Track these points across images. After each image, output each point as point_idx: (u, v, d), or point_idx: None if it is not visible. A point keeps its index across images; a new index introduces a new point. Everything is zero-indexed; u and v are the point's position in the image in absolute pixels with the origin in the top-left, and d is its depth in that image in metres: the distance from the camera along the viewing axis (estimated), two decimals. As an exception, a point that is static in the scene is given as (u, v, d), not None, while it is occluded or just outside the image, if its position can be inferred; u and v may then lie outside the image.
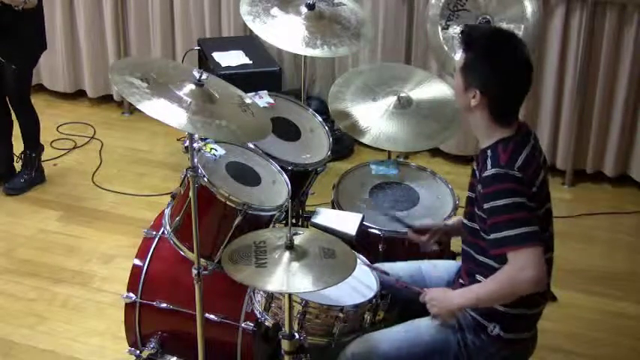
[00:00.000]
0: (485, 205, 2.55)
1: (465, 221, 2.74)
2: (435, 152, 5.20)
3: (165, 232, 3.05)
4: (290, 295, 2.59)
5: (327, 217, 3.16)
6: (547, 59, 4.82)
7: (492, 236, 2.55)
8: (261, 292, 2.80)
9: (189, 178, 2.74)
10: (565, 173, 4.99)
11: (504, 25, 3.61)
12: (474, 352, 2.70)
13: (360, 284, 2.86)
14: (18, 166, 4.82)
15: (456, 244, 3.48)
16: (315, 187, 3.53)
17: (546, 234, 2.64)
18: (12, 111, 4.67)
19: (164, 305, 3.15)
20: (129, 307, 3.21)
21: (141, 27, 5.58)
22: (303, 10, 3.58)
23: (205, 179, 2.88)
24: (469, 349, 2.69)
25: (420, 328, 2.73)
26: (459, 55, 2.67)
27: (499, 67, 2.58)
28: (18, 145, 4.79)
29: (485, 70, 2.57)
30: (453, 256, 3.43)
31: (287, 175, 3.20)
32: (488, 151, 2.60)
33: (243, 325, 3.05)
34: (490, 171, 2.54)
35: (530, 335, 2.76)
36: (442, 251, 3.25)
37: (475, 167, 2.67)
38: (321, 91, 5.28)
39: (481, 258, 2.66)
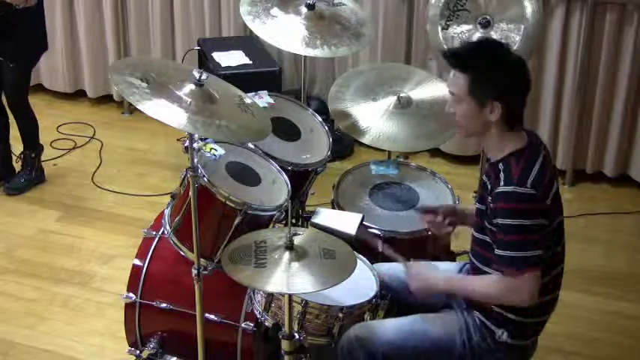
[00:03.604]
0: (495, 221, 2.54)
1: (475, 233, 2.72)
2: (435, 152, 5.20)
3: (165, 232, 3.05)
4: (290, 295, 2.59)
5: (327, 217, 3.16)
6: (547, 59, 4.82)
7: (497, 252, 2.55)
8: (261, 292, 2.81)
9: (189, 178, 2.74)
10: (565, 173, 4.99)
11: (504, 26, 3.62)
12: (479, 355, 2.70)
13: (360, 284, 2.86)
14: (18, 166, 4.82)
15: (455, 244, 3.49)
16: (315, 187, 3.53)
17: (558, 248, 2.64)
18: (9, 111, 4.66)
19: (164, 305, 3.15)
20: (129, 307, 3.21)
21: (141, 27, 5.58)
22: (303, 10, 3.58)
23: (205, 179, 2.88)
24: (474, 351, 2.70)
25: (428, 323, 2.73)
26: (455, 83, 2.59)
27: (506, 71, 2.57)
28: (18, 145, 4.79)
29: (498, 79, 2.56)
30: (453, 257, 3.43)
31: (287, 175, 3.20)
32: (501, 165, 2.57)
33: (243, 325, 3.05)
34: (503, 188, 2.52)
35: (534, 341, 2.77)
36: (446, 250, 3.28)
37: (486, 180, 2.63)
38: (321, 91, 5.28)
39: (487, 270, 2.65)
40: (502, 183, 2.53)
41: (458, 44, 3.59)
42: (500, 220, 2.52)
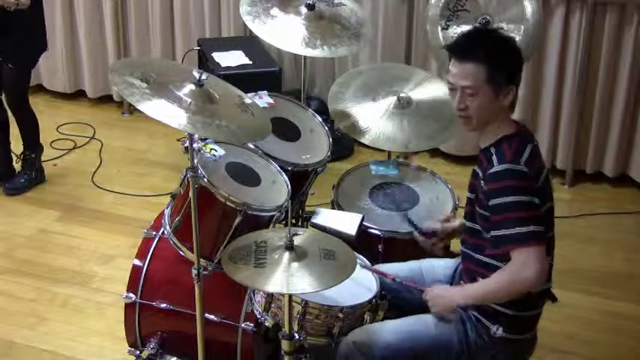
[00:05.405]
0: (491, 202, 2.55)
1: (465, 222, 2.74)
2: (435, 152, 5.20)
3: (165, 233, 3.05)
4: (290, 295, 2.59)
5: (327, 217, 3.16)
6: (547, 59, 4.82)
7: (495, 233, 2.55)
8: (261, 293, 2.81)
9: (189, 178, 2.74)
10: (565, 173, 4.99)
11: (504, 26, 3.61)
12: (476, 352, 2.71)
13: (360, 284, 2.86)
14: (18, 166, 4.82)
15: (455, 243, 3.49)
16: (315, 187, 3.53)
17: (548, 235, 2.64)
18: (9, 111, 4.66)
19: (164, 305, 3.15)
20: (129, 307, 3.21)
21: (141, 27, 5.59)
22: (303, 10, 3.58)
23: (205, 179, 2.88)
24: (471, 349, 2.70)
25: (425, 323, 2.74)
26: (468, 75, 2.57)
27: (515, 53, 2.64)
28: (18, 145, 4.79)
29: (512, 63, 2.62)
30: (452, 256, 3.43)
31: (287, 176, 3.20)
32: (492, 149, 2.61)
33: (243, 325, 3.05)
34: (497, 167, 2.55)
35: (531, 336, 2.77)
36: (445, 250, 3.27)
37: (477, 168, 2.66)
38: (321, 91, 5.28)
39: (480, 257, 2.67)
40: (496, 163, 2.56)
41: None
42: (495, 200, 2.53)
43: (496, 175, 2.54)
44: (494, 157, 2.58)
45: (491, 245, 2.58)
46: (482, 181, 2.60)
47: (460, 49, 2.63)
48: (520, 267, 2.51)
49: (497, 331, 2.67)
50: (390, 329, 2.74)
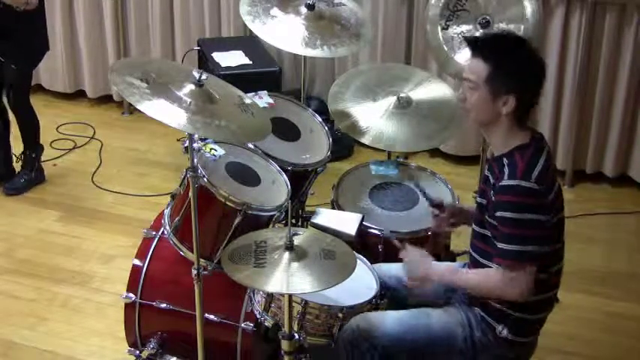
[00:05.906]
0: (497, 213, 2.55)
1: (475, 227, 2.74)
2: (435, 152, 5.20)
3: (165, 233, 3.05)
4: (290, 295, 2.59)
5: (326, 217, 3.16)
6: (547, 59, 4.79)
7: (500, 245, 2.57)
8: (261, 293, 2.81)
9: (189, 178, 2.74)
10: (565, 173, 4.99)
11: (504, 26, 3.61)
12: (480, 350, 2.71)
13: (360, 284, 2.86)
14: (18, 166, 4.82)
15: (456, 243, 3.49)
16: (315, 187, 3.54)
17: (558, 244, 2.66)
18: (10, 111, 4.66)
19: (164, 305, 3.15)
20: (129, 307, 3.21)
21: (141, 27, 5.58)
22: (303, 10, 3.58)
23: (205, 179, 2.88)
24: (475, 347, 2.71)
25: (430, 317, 2.75)
26: (473, 70, 2.59)
27: (528, 68, 2.60)
28: (18, 146, 4.79)
29: (518, 74, 2.58)
30: (452, 257, 3.43)
31: (287, 176, 3.20)
32: (505, 159, 2.59)
33: (243, 325, 3.05)
34: (507, 181, 2.54)
35: (534, 339, 2.78)
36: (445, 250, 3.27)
37: (489, 174, 2.65)
38: (321, 91, 5.28)
39: (486, 263, 2.66)
40: (506, 177, 2.55)
41: (459, 43, 3.60)
42: (500, 213, 2.54)
43: (505, 189, 2.54)
44: (505, 169, 2.56)
45: (495, 255, 2.59)
46: (491, 191, 2.60)
47: (476, 43, 2.65)
48: (508, 281, 2.55)
49: (503, 331, 2.67)
50: (395, 319, 2.75)
